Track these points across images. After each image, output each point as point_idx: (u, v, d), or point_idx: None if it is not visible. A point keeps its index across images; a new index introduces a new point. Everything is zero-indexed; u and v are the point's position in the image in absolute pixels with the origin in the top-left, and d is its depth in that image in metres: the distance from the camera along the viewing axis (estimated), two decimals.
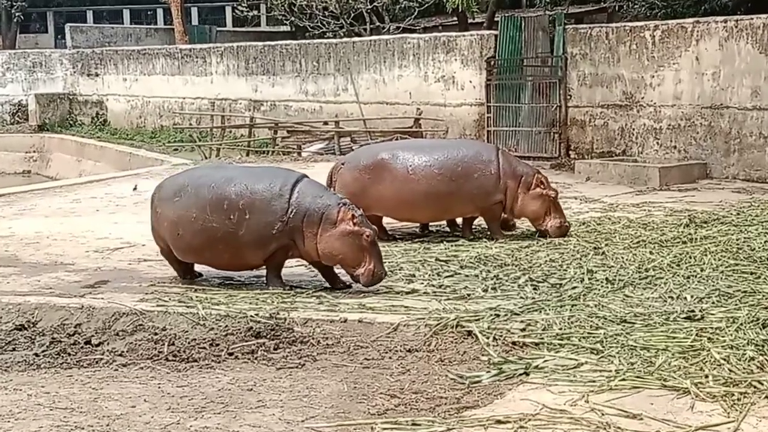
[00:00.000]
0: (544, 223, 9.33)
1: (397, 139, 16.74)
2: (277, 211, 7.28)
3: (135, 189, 13.27)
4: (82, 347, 6.38)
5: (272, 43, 22.70)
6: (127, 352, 6.16)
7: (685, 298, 6.84)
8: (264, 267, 7.58)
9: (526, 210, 9.34)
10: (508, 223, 9.70)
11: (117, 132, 26.19)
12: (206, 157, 19.27)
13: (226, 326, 6.41)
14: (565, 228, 9.36)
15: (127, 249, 9.34)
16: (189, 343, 6.19)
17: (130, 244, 9.55)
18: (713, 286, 7.15)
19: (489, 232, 9.49)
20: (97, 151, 23.36)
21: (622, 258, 8.25)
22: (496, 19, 21.55)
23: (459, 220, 9.78)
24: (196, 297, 7.11)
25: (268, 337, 6.23)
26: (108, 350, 6.24)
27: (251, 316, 6.54)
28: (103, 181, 15.30)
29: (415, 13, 25.92)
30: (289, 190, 7.33)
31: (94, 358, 6.09)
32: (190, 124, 23.70)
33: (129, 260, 8.80)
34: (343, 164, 9.54)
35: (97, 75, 27.75)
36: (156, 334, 6.39)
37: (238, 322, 6.47)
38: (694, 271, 7.69)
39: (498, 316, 6.36)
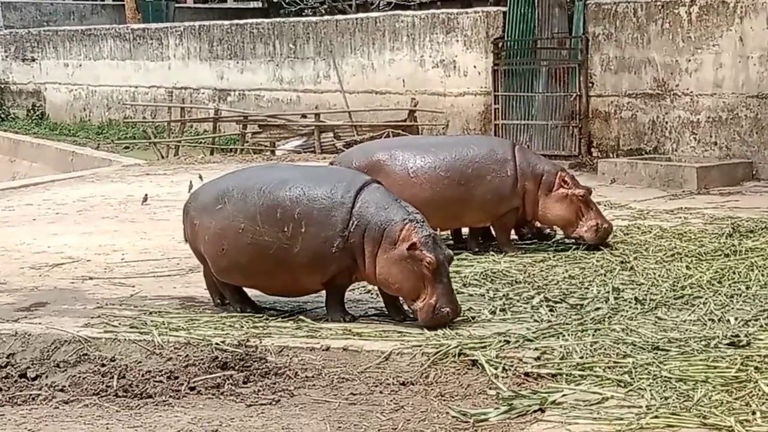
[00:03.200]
0: (576, 229, 9.34)
1: (389, 135, 16.82)
2: (337, 224, 6.95)
3: (145, 200, 12.97)
4: (16, 381, 6.35)
5: (241, 21, 22.73)
6: (69, 386, 6.14)
7: (728, 320, 6.85)
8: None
9: (550, 215, 9.34)
10: (542, 232, 9.72)
11: (57, 127, 26.18)
12: (163, 156, 19.29)
13: (187, 356, 6.40)
14: (604, 231, 9.33)
15: (69, 265, 9.32)
16: (143, 375, 6.18)
17: (73, 260, 9.53)
18: (761, 306, 7.17)
19: (498, 244, 9.50)
20: (33, 149, 23.34)
21: (654, 274, 8.27)
22: None
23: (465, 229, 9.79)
24: (152, 322, 7.10)
25: (236, 368, 6.22)
26: (47, 384, 6.23)
27: (216, 343, 6.53)
28: (41, 185, 15.30)
29: None
30: (353, 198, 6.98)
31: (31, 394, 6.08)
32: (144, 118, 23.71)
33: (71, 278, 8.78)
34: (332, 165, 9.56)
35: (33, 60, 27.72)
36: (103, 365, 6.38)
37: (201, 350, 6.46)
38: (739, 289, 7.71)
39: (508, 342, 6.37)
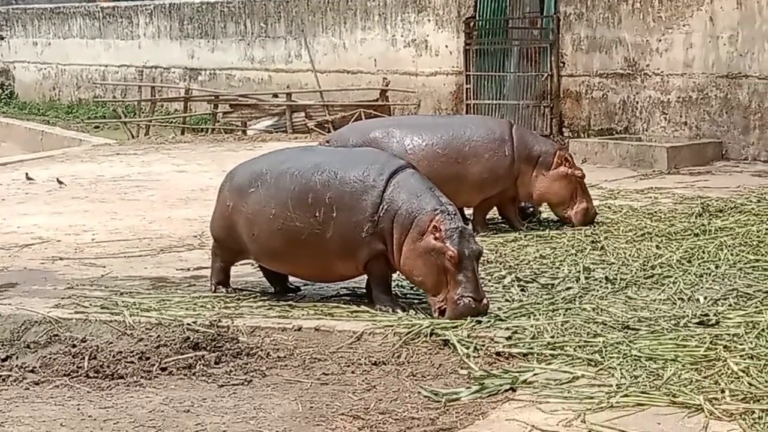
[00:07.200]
0: (568, 208, 9.40)
1: (362, 116, 16.81)
2: (367, 208, 6.71)
3: (60, 183, 12.85)
4: None
5: (211, 0, 22.59)
6: (39, 367, 6.12)
7: (698, 300, 6.90)
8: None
9: (548, 193, 9.40)
10: (525, 211, 9.75)
11: (26, 106, 25.99)
12: (133, 136, 19.21)
13: (158, 336, 6.39)
14: (592, 215, 9.48)
15: (39, 245, 9.27)
16: (114, 356, 6.16)
17: (43, 240, 9.49)
18: (730, 285, 7.22)
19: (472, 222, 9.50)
20: (2, 129, 23.17)
21: (624, 253, 8.31)
22: None
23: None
24: (123, 302, 7.08)
25: (208, 348, 6.22)
26: (17, 366, 6.20)
27: (188, 324, 6.52)
28: (10, 164, 15.19)
29: None
30: (385, 181, 6.73)
31: (1, 375, 6.05)
32: (114, 97, 23.56)
33: (41, 259, 8.74)
34: (327, 143, 9.48)
35: (1, 38, 27.48)
36: (74, 346, 6.35)
37: (173, 331, 6.45)
38: (708, 268, 7.76)
39: (479, 322, 6.39)
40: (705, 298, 6.92)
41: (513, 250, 8.58)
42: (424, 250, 6.54)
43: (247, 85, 20.96)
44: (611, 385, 5.36)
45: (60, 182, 12.72)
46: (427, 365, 5.91)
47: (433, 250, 6.50)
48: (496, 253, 8.47)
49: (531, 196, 9.47)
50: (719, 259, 7.98)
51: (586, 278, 7.53)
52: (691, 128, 14.54)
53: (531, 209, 9.86)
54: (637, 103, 15.14)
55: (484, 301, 6.53)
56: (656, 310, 6.68)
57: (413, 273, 6.65)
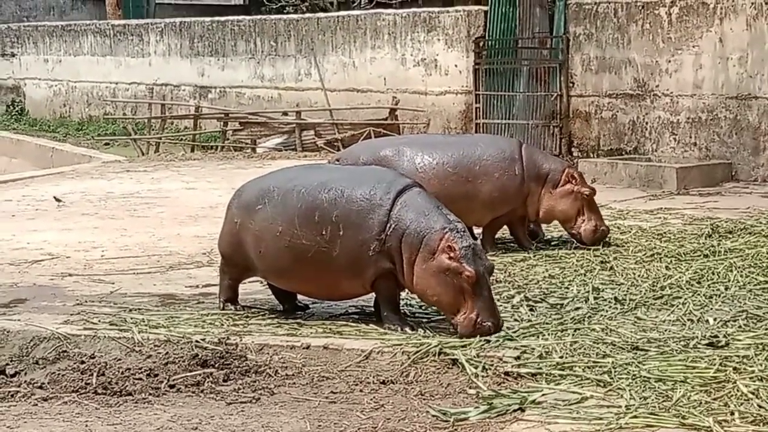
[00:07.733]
0: (575, 226, 9.40)
1: (371, 134, 16.84)
2: (373, 227, 6.69)
3: (59, 201, 12.78)
4: None
5: (222, 18, 22.68)
6: (48, 383, 6.12)
7: (707, 321, 6.88)
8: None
9: (555, 210, 9.37)
10: (536, 234, 9.74)
11: (37, 123, 26.06)
12: (143, 153, 19.25)
13: (167, 353, 6.39)
14: (602, 233, 9.44)
15: (48, 262, 9.29)
16: (122, 373, 6.16)
17: (53, 256, 9.50)
18: (740, 307, 7.20)
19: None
20: (12, 145, 23.23)
21: (634, 274, 8.30)
22: None
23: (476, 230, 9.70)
24: (131, 319, 7.09)
25: (216, 366, 6.21)
26: (26, 381, 6.21)
27: (197, 341, 6.52)
28: (21, 181, 15.23)
29: None
30: (392, 200, 6.72)
31: (9, 391, 6.05)
32: (124, 114, 23.63)
33: (51, 275, 8.75)
34: (338, 161, 9.48)
35: (13, 55, 27.59)
36: (83, 362, 6.36)
37: (181, 348, 6.45)
38: (718, 289, 7.74)
39: (488, 341, 6.38)
40: (714, 319, 6.90)
41: (522, 270, 8.57)
42: (437, 269, 6.52)
43: (257, 103, 21.01)
44: (620, 406, 5.35)
45: (58, 200, 12.65)
46: (436, 384, 5.90)
47: (448, 269, 6.48)
48: (505, 272, 8.46)
49: (537, 213, 9.47)
50: (729, 281, 7.96)
51: (595, 298, 7.52)
52: (701, 149, 14.53)
53: (540, 234, 9.83)
54: (647, 123, 15.14)
55: (501, 321, 6.59)
56: (665, 331, 6.67)
57: (427, 292, 6.63)
